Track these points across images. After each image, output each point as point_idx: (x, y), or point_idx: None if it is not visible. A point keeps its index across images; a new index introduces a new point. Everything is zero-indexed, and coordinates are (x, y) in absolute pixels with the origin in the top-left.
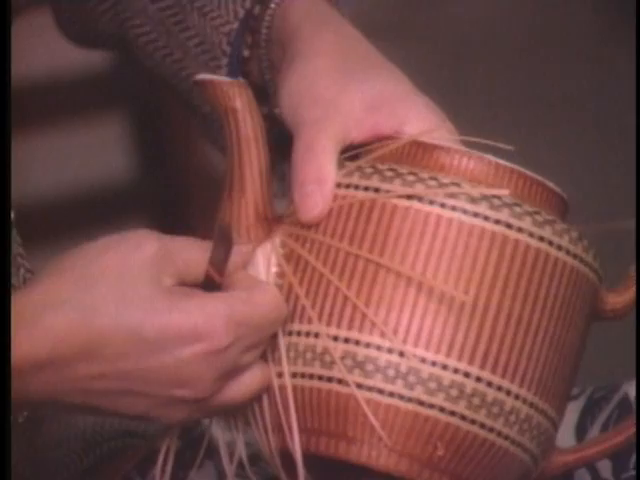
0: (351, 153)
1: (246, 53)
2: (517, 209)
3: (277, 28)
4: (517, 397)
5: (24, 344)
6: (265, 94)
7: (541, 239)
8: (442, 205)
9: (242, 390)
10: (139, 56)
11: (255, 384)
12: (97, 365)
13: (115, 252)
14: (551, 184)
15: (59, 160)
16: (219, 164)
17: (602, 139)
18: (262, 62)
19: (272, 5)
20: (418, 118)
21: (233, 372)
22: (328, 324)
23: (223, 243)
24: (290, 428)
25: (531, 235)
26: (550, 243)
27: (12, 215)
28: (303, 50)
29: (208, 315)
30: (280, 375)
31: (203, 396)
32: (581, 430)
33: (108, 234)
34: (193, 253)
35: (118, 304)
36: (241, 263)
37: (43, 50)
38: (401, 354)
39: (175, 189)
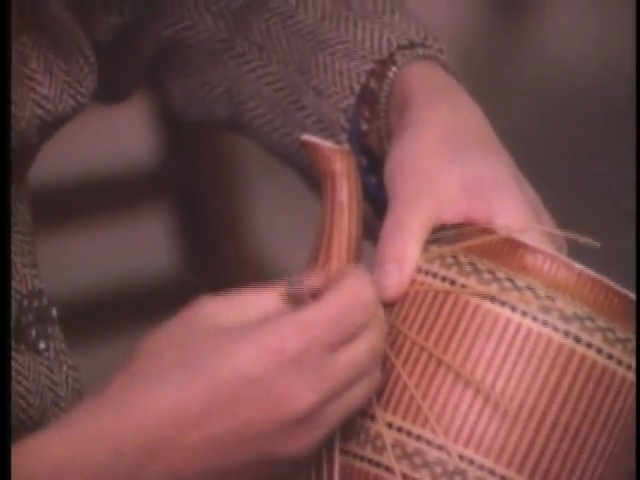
0: (439, 236)
1: (364, 127)
2: (589, 323)
3: (395, 96)
4: None
5: (130, 428)
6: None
7: (610, 357)
8: (513, 308)
9: (352, 397)
10: (256, 137)
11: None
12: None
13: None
14: (634, 297)
15: (102, 256)
16: (266, 256)
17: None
18: (381, 132)
19: (390, 75)
20: (511, 210)
21: (333, 380)
22: (385, 409)
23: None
24: None
25: (599, 352)
26: (619, 362)
27: (54, 312)
28: (413, 122)
29: (269, 328)
30: (330, 450)
31: (305, 412)
32: None
33: (152, 330)
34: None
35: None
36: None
37: (87, 145)
38: (450, 453)
39: (222, 284)
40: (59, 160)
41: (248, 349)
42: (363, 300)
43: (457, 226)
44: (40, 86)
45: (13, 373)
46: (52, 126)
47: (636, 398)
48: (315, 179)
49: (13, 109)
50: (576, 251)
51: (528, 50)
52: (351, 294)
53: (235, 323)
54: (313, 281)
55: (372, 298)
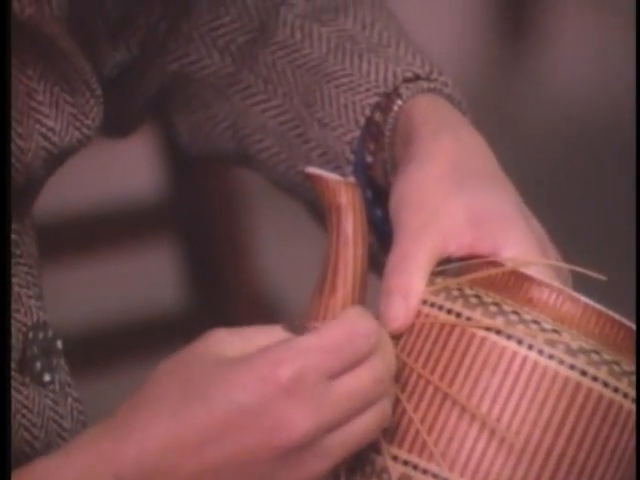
0: (445, 268)
1: (369, 159)
2: (595, 356)
3: (400, 129)
4: None
5: (130, 453)
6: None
7: (616, 390)
8: (519, 342)
9: (358, 425)
10: (262, 170)
11: (374, 421)
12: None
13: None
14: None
15: (107, 288)
16: (271, 289)
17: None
18: (386, 164)
19: (395, 108)
20: (517, 243)
21: (333, 409)
22: (390, 442)
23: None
24: None
25: (606, 385)
26: (625, 395)
27: (60, 344)
28: (418, 154)
29: (264, 355)
30: None
31: (300, 439)
32: None
33: (156, 360)
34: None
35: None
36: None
37: (93, 178)
38: None
39: (225, 317)
40: (65, 192)
41: (242, 376)
42: (363, 329)
43: (462, 258)
44: (46, 118)
45: (18, 406)
46: (58, 158)
47: (636, 424)
48: (320, 211)
49: (19, 141)
50: (578, 283)
51: (533, 83)
52: (350, 323)
53: (238, 353)
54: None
55: (373, 329)
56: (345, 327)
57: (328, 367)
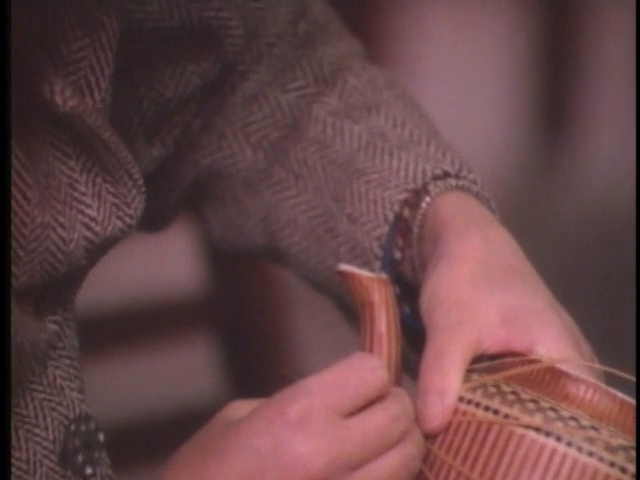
0: (480, 366)
1: (398, 255)
2: (634, 453)
3: (428, 226)
4: None
5: None
6: (418, 292)
7: None
8: (558, 439)
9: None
10: (292, 264)
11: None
12: None
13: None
14: None
15: (148, 382)
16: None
17: None
18: (415, 261)
19: (423, 205)
20: (552, 339)
21: (349, 444)
22: None
23: None
24: None
25: None
26: None
27: (102, 437)
28: (448, 252)
29: (270, 400)
30: None
31: (319, 474)
32: None
33: None
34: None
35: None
36: None
37: (134, 271)
38: None
39: None
40: (105, 286)
41: (252, 424)
42: (369, 364)
43: (496, 355)
44: (88, 209)
45: None
46: (100, 248)
47: None
48: (349, 307)
49: (61, 232)
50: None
51: (570, 182)
52: (354, 360)
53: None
54: None
55: (379, 367)
56: (349, 363)
57: (335, 401)
